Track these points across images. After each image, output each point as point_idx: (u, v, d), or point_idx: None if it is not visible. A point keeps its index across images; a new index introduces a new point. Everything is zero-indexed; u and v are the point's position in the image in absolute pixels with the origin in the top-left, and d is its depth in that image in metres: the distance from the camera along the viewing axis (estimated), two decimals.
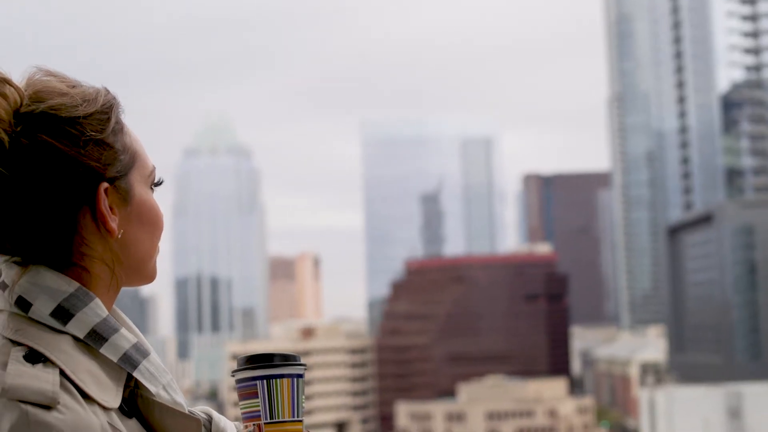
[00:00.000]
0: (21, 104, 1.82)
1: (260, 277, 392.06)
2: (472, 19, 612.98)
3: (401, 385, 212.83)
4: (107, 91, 2.10)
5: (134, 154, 2.12)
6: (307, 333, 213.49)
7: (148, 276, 2.24)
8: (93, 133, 1.95)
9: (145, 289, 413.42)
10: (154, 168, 2.22)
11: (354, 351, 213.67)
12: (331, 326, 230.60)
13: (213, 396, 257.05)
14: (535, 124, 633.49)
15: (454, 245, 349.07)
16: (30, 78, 1.88)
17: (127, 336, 1.97)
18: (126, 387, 1.96)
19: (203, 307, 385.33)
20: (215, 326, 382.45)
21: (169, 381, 2.08)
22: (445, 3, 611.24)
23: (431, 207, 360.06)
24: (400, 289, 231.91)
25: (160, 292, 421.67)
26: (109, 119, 2.05)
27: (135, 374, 1.96)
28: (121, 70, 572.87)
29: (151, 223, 2.17)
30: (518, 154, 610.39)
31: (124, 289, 2.20)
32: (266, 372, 2.22)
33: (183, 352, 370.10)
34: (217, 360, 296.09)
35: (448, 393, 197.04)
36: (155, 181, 2.22)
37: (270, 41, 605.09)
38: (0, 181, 1.78)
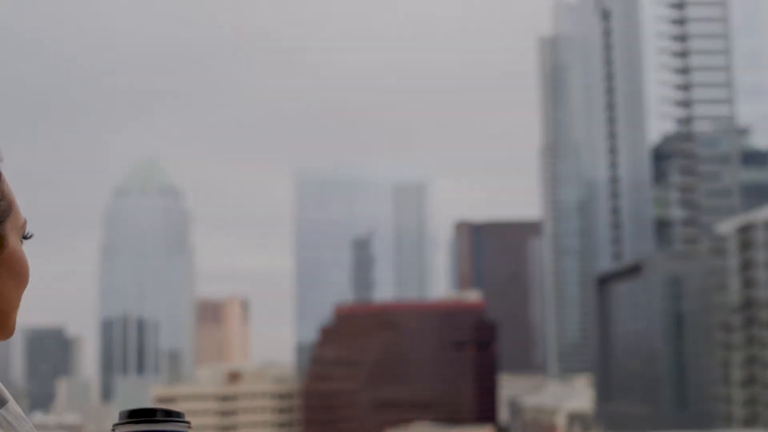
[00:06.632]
0: None
1: (187, 319, 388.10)
2: (407, 65, 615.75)
3: (328, 431, 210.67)
4: None
5: (11, 203, 2.12)
6: (234, 377, 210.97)
7: (8, 330, 2.23)
8: None
9: (70, 330, 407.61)
10: (26, 221, 2.21)
11: (281, 396, 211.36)
12: (258, 370, 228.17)
13: None
14: (467, 171, 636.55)
15: (384, 291, 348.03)
16: None
17: None
18: None
19: (129, 348, 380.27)
20: (140, 368, 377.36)
21: (28, 430, 2.05)
22: (380, 48, 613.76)
23: (362, 252, 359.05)
24: (328, 334, 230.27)
25: (84, 332, 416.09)
26: None
27: None
28: (51, 106, 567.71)
29: (19, 274, 2.14)
30: (450, 200, 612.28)
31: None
32: (150, 427, 2.21)
33: (107, 394, 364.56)
34: (141, 402, 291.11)
35: None
36: (26, 234, 2.20)
37: (202, 82, 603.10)
38: None
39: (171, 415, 2.20)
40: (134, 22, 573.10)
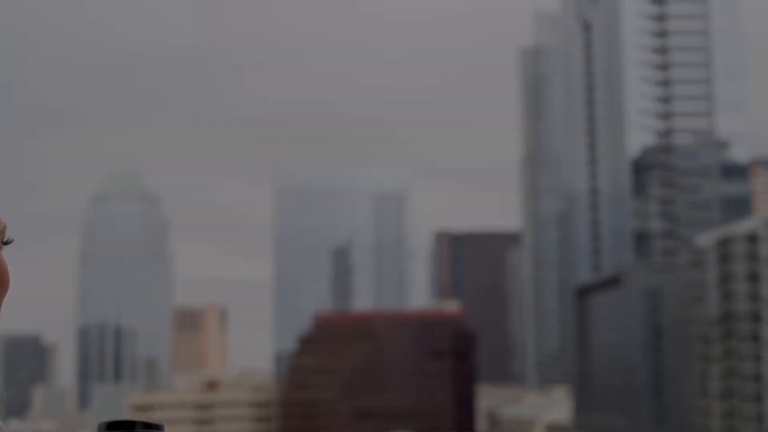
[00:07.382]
0: None
1: (165, 326, 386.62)
2: (387, 75, 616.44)
3: None
4: None
5: None
6: (211, 385, 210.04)
7: None
8: None
9: (47, 337, 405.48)
10: (6, 226, 2.19)
11: (259, 405, 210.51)
12: (236, 379, 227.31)
13: None
14: (447, 181, 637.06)
15: (364, 300, 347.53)
16: None
17: None
18: None
19: (106, 356, 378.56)
20: (117, 376, 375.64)
21: None
22: (360, 58, 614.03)
23: (341, 261, 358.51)
24: (307, 342, 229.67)
25: (61, 340, 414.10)
26: None
27: None
28: (29, 112, 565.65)
29: (1, 281, 2.15)
30: (430, 210, 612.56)
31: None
32: None
33: (83, 401, 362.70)
34: (118, 410, 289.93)
35: None
36: (6, 239, 2.20)
37: (182, 89, 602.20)
38: None
39: (150, 428, 2.21)
40: (116, 28, 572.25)
